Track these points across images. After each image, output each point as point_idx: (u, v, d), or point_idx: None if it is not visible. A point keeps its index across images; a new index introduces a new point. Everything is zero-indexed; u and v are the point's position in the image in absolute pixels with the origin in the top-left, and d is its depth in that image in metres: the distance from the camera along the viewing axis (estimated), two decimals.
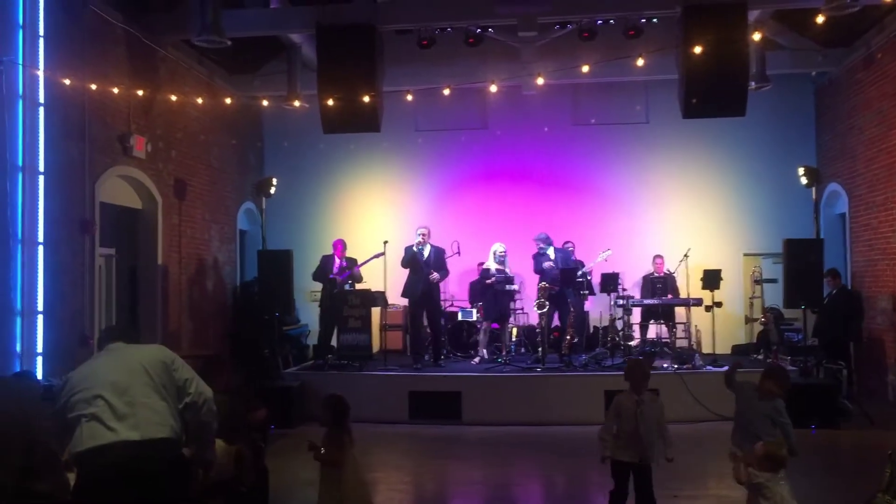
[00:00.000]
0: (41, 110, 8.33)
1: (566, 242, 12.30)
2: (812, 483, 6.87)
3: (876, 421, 9.63)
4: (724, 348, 12.39)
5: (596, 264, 11.88)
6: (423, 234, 11.27)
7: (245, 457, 4.80)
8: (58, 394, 3.83)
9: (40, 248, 8.25)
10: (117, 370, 3.83)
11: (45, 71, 8.32)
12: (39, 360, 8.15)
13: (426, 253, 11.22)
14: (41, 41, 8.35)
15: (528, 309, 12.40)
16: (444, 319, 12.34)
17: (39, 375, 7.89)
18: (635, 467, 5.41)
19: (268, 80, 13.10)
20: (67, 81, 8.53)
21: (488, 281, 11.25)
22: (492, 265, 11.33)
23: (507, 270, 11.35)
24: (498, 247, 11.41)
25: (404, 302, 13.02)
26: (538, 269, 11.51)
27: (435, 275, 11.16)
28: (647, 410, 5.42)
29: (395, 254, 11.40)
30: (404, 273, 11.45)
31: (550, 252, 11.62)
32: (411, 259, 11.16)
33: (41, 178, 8.30)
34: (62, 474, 3.82)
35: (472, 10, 10.60)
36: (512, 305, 12.17)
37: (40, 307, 8.22)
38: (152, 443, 3.66)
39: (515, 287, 11.54)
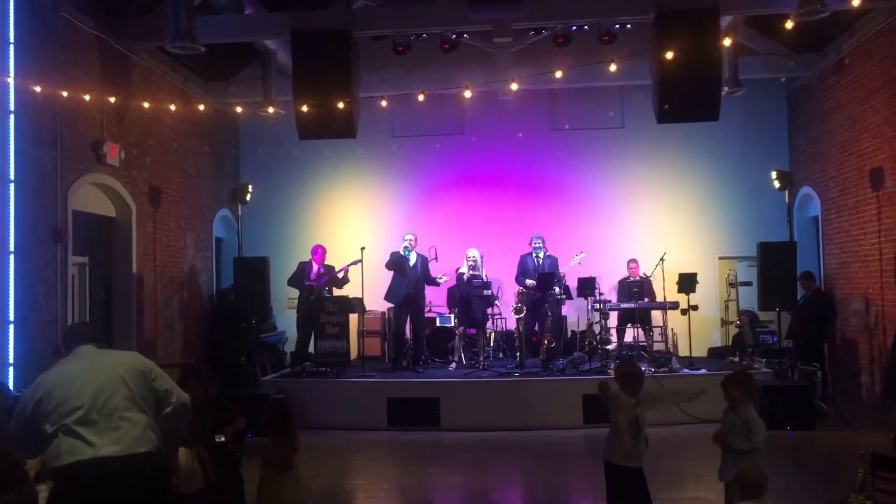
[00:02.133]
0: (12, 118, 8.22)
1: None
2: (787, 484, 6.93)
3: (850, 422, 9.74)
4: (700, 351, 12.47)
5: (570, 268, 11.91)
6: (411, 241, 11.41)
7: (204, 458, 4.78)
8: (26, 400, 3.66)
9: (11, 257, 8.14)
10: (95, 380, 3.67)
11: (15, 78, 8.22)
12: (11, 370, 8.04)
13: (412, 260, 11.32)
14: (11, 48, 8.24)
15: (507, 314, 12.42)
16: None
17: (11, 385, 7.78)
18: (624, 472, 5.19)
19: (243, 86, 13.05)
20: (38, 88, 8.44)
21: (467, 280, 11.31)
22: (465, 270, 11.38)
23: (483, 275, 11.38)
24: (472, 252, 11.46)
25: (382, 308, 13.02)
26: (522, 271, 11.61)
27: (445, 276, 11.40)
28: (642, 414, 5.22)
29: (372, 260, 11.38)
30: (382, 279, 11.45)
31: (542, 255, 11.69)
32: (398, 262, 11.22)
33: (12, 187, 8.19)
34: (30, 486, 3.75)
35: (446, 16, 10.60)
36: (490, 311, 12.18)
37: (12, 317, 8.10)
38: (134, 458, 3.55)
39: (489, 292, 11.55)
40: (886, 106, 10.17)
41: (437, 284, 11.63)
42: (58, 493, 3.54)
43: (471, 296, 11.25)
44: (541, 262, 11.69)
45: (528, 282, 11.49)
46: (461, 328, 11.66)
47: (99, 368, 3.76)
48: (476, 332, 11.65)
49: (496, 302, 12.25)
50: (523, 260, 11.85)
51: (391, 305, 12.11)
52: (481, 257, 11.50)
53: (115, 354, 4.00)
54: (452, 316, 12.59)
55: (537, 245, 11.79)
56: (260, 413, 5.36)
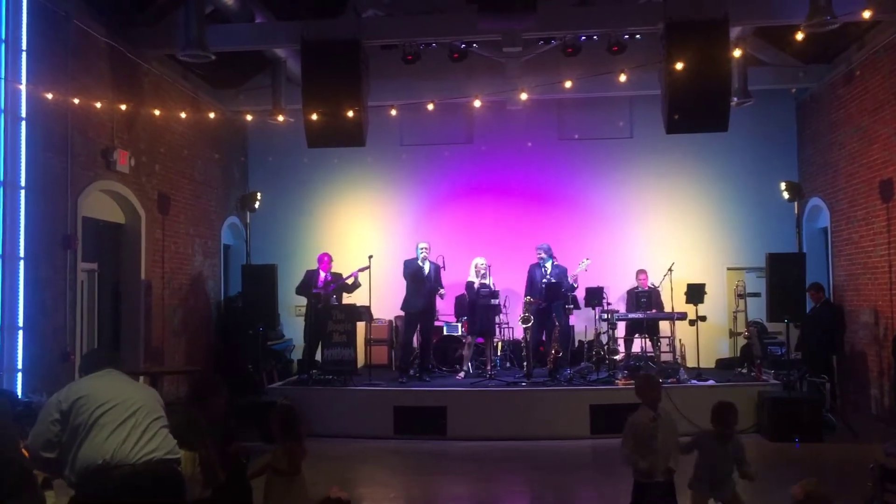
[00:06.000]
0: (23, 124, 8.27)
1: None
2: None
3: (859, 434, 9.69)
4: (708, 362, 12.44)
5: (576, 275, 11.86)
6: (426, 249, 11.36)
7: (206, 460, 4.75)
8: (59, 400, 3.80)
9: (21, 263, 8.17)
10: (133, 392, 3.98)
11: (27, 85, 8.28)
12: (19, 375, 8.07)
13: (426, 268, 11.29)
14: (24, 55, 8.31)
15: (514, 323, 12.39)
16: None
17: (19, 391, 7.81)
18: (658, 486, 5.19)
19: (252, 94, 13.10)
20: (50, 95, 8.49)
21: (477, 295, 11.28)
22: (474, 279, 11.37)
23: (490, 284, 11.37)
24: (479, 260, 11.45)
25: (389, 317, 13.04)
26: (530, 283, 11.58)
27: (443, 291, 11.36)
28: (664, 425, 5.26)
29: (380, 268, 11.40)
30: (390, 287, 11.49)
31: (549, 266, 11.63)
32: (415, 273, 11.21)
33: (22, 193, 8.24)
34: (37, 491, 3.76)
35: (455, 26, 10.63)
36: (497, 320, 12.17)
37: (21, 323, 8.13)
38: (169, 462, 3.85)
39: (496, 301, 11.54)
40: None
41: (442, 297, 11.60)
42: (90, 491, 3.66)
43: (478, 305, 11.24)
44: (548, 272, 11.65)
45: (527, 298, 11.36)
46: (469, 337, 11.66)
47: (134, 386, 4.11)
48: (483, 341, 11.64)
49: (503, 311, 12.24)
50: (531, 271, 11.80)
51: (399, 314, 12.11)
52: (488, 266, 11.50)
53: (142, 384, 4.38)
54: (460, 325, 12.58)
55: (542, 256, 11.72)
56: (267, 420, 5.35)
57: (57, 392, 3.91)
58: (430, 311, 11.47)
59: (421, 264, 11.29)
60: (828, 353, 11.19)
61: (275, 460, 5.08)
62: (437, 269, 11.46)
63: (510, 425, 10.06)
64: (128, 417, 3.79)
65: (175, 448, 3.93)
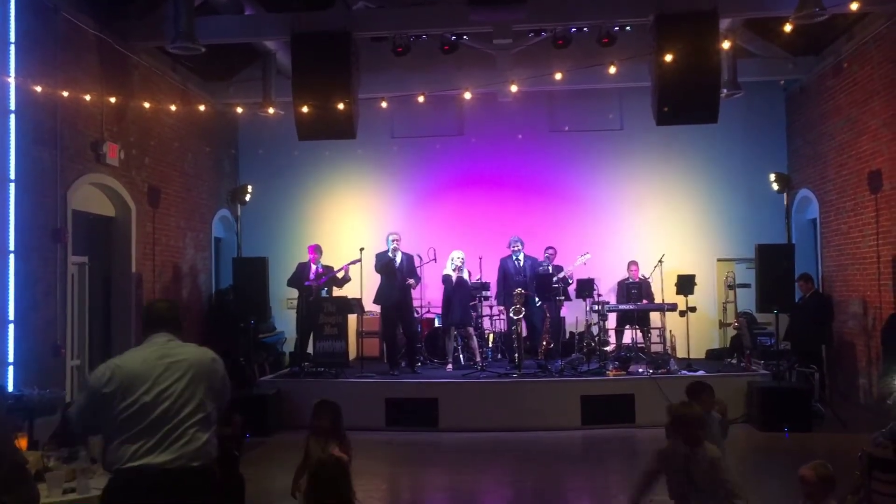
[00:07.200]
0: (12, 117, 8.23)
1: (548, 248, 12.35)
2: (784, 486, 6.94)
3: (848, 424, 9.76)
4: (698, 353, 12.50)
5: (575, 268, 11.92)
6: (396, 240, 11.30)
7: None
8: (95, 386, 3.61)
9: (11, 257, 8.15)
10: (179, 382, 3.67)
11: (16, 78, 8.24)
12: (10, 369, 8.05)
13: (398, 260, 11.24)
14: (12, 48, 8.26)
15: (505, 315, 12.41)
16: (420, 326, 12.34)
17: (11, 384, 7.80)
18: None
19: (242, 87, 13.05)
20: (39, 88, 8.45)
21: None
22: (450, 272, 11.33)
23: (466, 276, 11.36)
24: (455, 254, 11.42)
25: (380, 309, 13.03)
26: (503, 275, 11.65)
27: (411, 280, 11.23)
28: (700, 468, 4.41)
29: (371, 261, 11.39)
30: (379, 280, 11.44)
31: (521, 257, 11.68)
32: (386, 265, 11.17)
33: (12, 186, 8.21)
34: (31, 486, 3.75)
35: (446, 18, 10.61)
36: (487, 311, 12.19)
37: (11, 316, 8.11)
38: (189, 471, 3.59)
39: (487, 293, 11.55)
40: (885, 109, 10.20)
41: (412, 287, 11.45)
42: (113, 488, 3.59)
43: (454, 296, 11.22)
44: (521, 264, 11.69)
45: (518, 290, 11.35)
46: (451, 329, 11.62)
47: (179, 363, 3.73)
48: (463, 332, 11.60)
49: (494, 303, 12.26)
50: (504, 263, 11.84)
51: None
52: (463, 259, 11.49)
53: (193, 352, 3.89)
54: None
55: (517, 248, 11.78)
56: (258, 413, 5.37)
57: (104, 365, 3.70)
58: (404, 304, 11.30)
59: (392, 256, 11.22)
60: (817, 344, 11.25)
61: (344, 453, 5.12)
62: (409, 259, 11.40)
63: (501, 417, 10.09)
64: (153, 420, 3.56)
65: (200, 453, 3.63)
